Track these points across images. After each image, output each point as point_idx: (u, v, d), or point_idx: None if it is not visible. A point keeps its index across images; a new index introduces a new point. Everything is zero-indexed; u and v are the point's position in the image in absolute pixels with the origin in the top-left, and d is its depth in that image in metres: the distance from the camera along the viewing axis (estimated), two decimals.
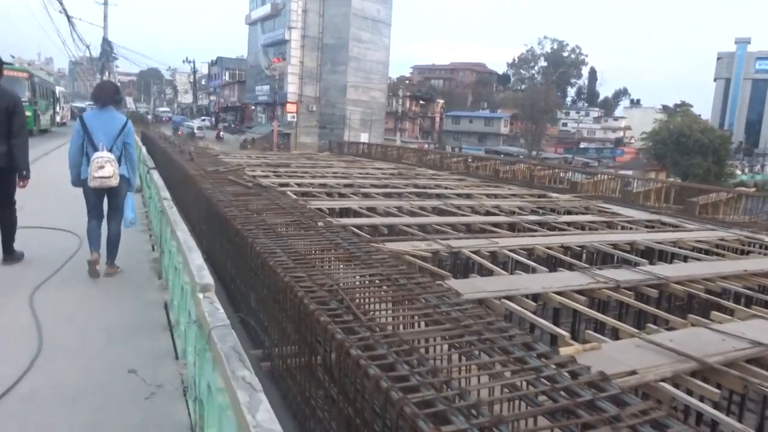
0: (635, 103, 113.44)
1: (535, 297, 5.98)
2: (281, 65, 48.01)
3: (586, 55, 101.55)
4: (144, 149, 10.38)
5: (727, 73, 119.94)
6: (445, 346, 2.73)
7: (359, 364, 2.16)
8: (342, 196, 12.96)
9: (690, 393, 4.21)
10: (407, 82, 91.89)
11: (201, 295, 2.15)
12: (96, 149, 5.31)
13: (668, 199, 15.52)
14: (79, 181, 5.49)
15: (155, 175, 5.99)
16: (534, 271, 7.25)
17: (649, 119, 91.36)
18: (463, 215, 11.32)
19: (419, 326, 2.84)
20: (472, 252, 7.93)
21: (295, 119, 47.88)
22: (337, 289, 3.12)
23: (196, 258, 2.77)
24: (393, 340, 2.44)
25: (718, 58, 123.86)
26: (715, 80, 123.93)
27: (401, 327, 2.91)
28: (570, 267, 7.69)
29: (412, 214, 11.18)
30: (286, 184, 14.02)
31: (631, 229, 10.89)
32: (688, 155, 48.62)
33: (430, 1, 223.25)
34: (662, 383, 4.04)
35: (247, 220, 4.93)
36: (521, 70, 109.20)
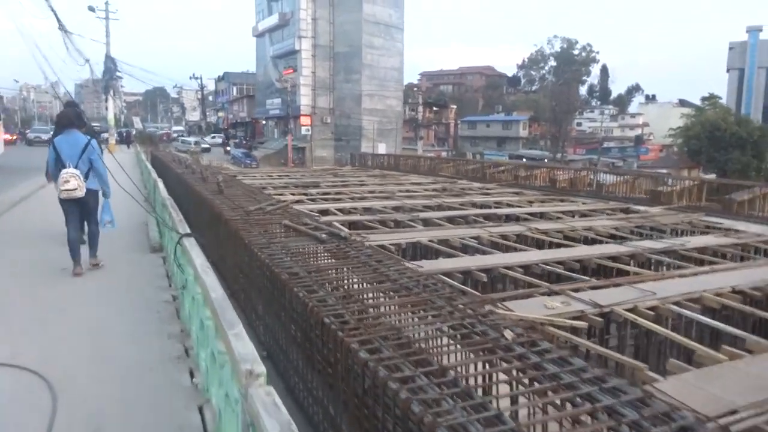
0: (651, 99, 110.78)
1: None
2: (292, 76, 45.97)
3: (597, 53, 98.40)
4: (161, 184, 8.05)
5: (741, 63, 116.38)
6: None
7: None
8: (398, 224, 10.67)
9: None
10: (415, 89, 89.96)
11: None
12: (64, 166, 6.13)
13: None
14: (50, 177, 6.52)
15: (194, 250, 3.50)
16: (745, 344, 4.89)
17: (666, 114, 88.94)
18: (561, 244, 9.01)
19: None
20: (627, 310, 5.62)
21: (310, 132, 45.75)
22: None
23: None
24: None
25: (730, 48, 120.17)
26: (728, 71, 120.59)
27: None
28: None
29: (497, 246, 8.88)
30: (327, 211, 11.80)
31: None
32: (725, 150, 45.89)
33: (432, 5, 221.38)
34: None
35: (363, 327, 2.65)
36: (531, 71, 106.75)
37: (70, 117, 6.47)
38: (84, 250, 6.46)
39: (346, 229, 9.46)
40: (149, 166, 14.15)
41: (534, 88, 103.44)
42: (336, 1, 45.50)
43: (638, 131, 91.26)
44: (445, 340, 2.69)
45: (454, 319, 2.80)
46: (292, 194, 14.72)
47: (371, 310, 2.96)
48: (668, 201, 14.18)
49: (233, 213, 5.86)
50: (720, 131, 46.54)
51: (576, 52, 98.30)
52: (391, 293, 3.25)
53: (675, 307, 5.76)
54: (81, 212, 6.39)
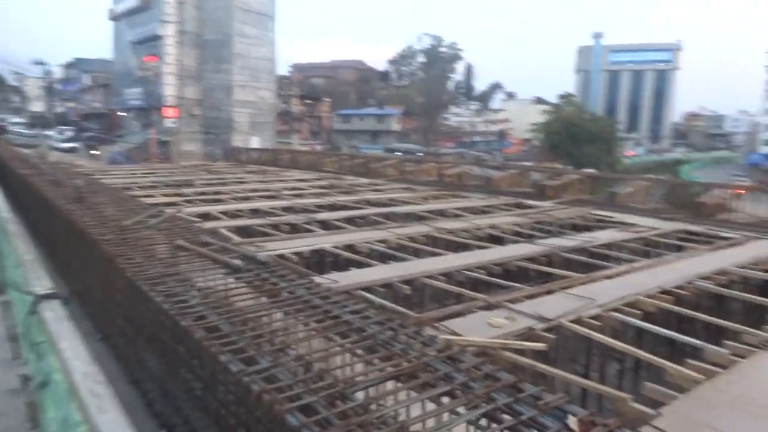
0: (511, 96, 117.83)
1: None
2: (155, 64, 42.35)
3: (462, 51, 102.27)
4: None
5: (586, 66, 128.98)
6: None
7: None
8: (294, 228, 9.60)
9: None
10: (287, 81, 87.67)
11: None
12: None
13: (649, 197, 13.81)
14: None
15: (65, 335, 2.09)
16: (704, 355, 4.54)
17: (525, 111, 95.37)
18: (472, 245, 8.50)
19: None
20: (572, 322, 5.11)
21: (176, 125, 42.46)
22: None
23: None
24: None
25: (578, 52, 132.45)
26: (576, 72, 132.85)
27: None
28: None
29: (406, 249, 8.18)
30: (208, 215, 10.39)
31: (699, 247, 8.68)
32: (580, 144, 49.50)
33: None
34: None
35: (352, 426, 1.71)
36: (401, 67, 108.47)
37: None
38: None
39: (236, 236, 8.26)
40: None
41: (404, 83, 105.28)
42: None
43: (500, 126, 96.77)
44: None
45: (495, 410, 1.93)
46: (164, 195, 13.01)
47: (348, 389, 2.00)
48: (555, 195, 14.42)
49: (103, 229, 4.51)
50: (576, 127, 50.22)
51: (443, 49, 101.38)
52: (369, 354, 2.30)
53: (618, 315, 5.37)
54: None
